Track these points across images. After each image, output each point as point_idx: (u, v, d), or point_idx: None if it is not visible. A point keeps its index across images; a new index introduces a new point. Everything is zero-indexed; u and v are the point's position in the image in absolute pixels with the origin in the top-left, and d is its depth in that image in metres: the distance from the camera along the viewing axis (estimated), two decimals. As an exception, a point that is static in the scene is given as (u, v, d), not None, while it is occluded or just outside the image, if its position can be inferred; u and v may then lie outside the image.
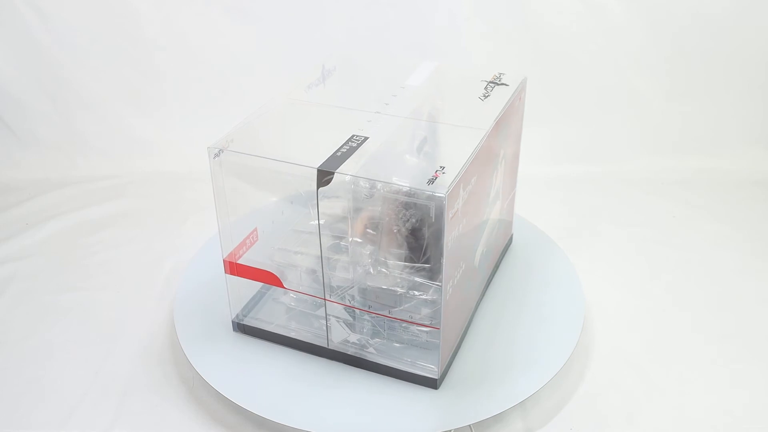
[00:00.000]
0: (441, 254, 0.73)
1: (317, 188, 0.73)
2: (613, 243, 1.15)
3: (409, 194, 0.73)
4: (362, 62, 1.03)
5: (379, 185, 0.75)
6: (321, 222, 0.89)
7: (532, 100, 1.36)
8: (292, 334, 0.86)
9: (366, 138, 0.78)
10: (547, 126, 1.39)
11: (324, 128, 0.85)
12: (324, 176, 0.72)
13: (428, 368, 0.81)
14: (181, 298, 0.95)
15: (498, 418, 0.80)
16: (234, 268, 0.86)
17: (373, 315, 0.82)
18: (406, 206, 0.76)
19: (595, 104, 1.39)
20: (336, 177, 0.73)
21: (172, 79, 1.38)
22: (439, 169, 0.73)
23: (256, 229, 0.85)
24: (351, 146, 0.76)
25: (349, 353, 0.84)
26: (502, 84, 0.91)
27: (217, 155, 0.78)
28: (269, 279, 0.85)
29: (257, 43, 1.36)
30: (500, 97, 0.89)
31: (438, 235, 0.72)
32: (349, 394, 0.81)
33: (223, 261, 0.85)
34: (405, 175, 0.75)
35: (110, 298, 1.03)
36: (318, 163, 0.73)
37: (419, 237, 0.78)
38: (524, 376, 0.82)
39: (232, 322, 0.89)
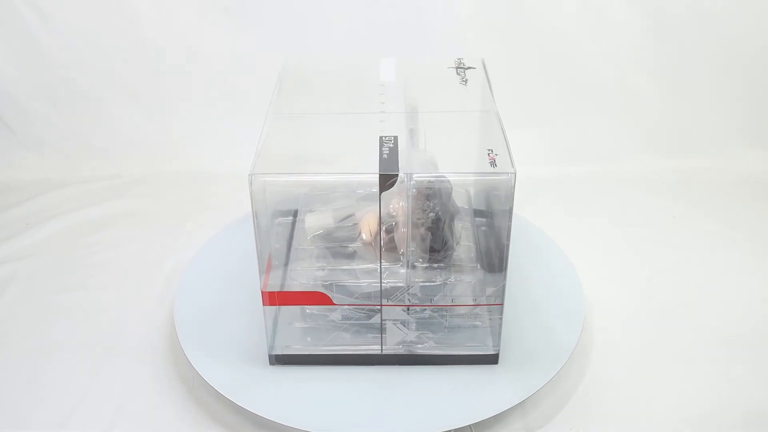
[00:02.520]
0: (509, 231, 0.76)
1: (380, 192, 0.74)
2: (613, 243, 1.15)
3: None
4: (321, 66, 1.03)
5: (442, 178, 0.78)
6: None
7: (531, 99, 1.38)
8: (341, 351, 0.85)
9: (396, 137, 0.79)
10: (547, 125, 1.39)
11: (345, 135, 0.85)
12: (387, 180, 0.73)
13: (483, 347, 0.84)
14: (181, 298, 0.95)
15: (498, 418, 0.80)
16: (274, 297, 0.82)
17: (433, 307, 0.83)
18: (428, 197, 0.78)
19: (595, 104, 1.39)
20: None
21: (172, 79, 1.38)
22: (489, 151, 0.75)
23: (270, 254, 0.84)
24: (390, 147, 0.77)
25: (401, 353, 0.84)
26: (470, 68, 0.94)
27: (252, 181, 0.74)
28: (316, 299, 0.83)
29: (257, 43, 1.36)
30: (478, 78, 0.92)
31: (502, 216, 0.77)
32: (405, 390, 0.82)
33: (263, 293, 0.81)
34: (427, 165, 0.78)
35: (110, 298, 1.03)
36: (374, 168, 0.74)
37: (440, 226, 0.80)
38: (524, 375, 0.82)
39: (269, 355, 0.84)
